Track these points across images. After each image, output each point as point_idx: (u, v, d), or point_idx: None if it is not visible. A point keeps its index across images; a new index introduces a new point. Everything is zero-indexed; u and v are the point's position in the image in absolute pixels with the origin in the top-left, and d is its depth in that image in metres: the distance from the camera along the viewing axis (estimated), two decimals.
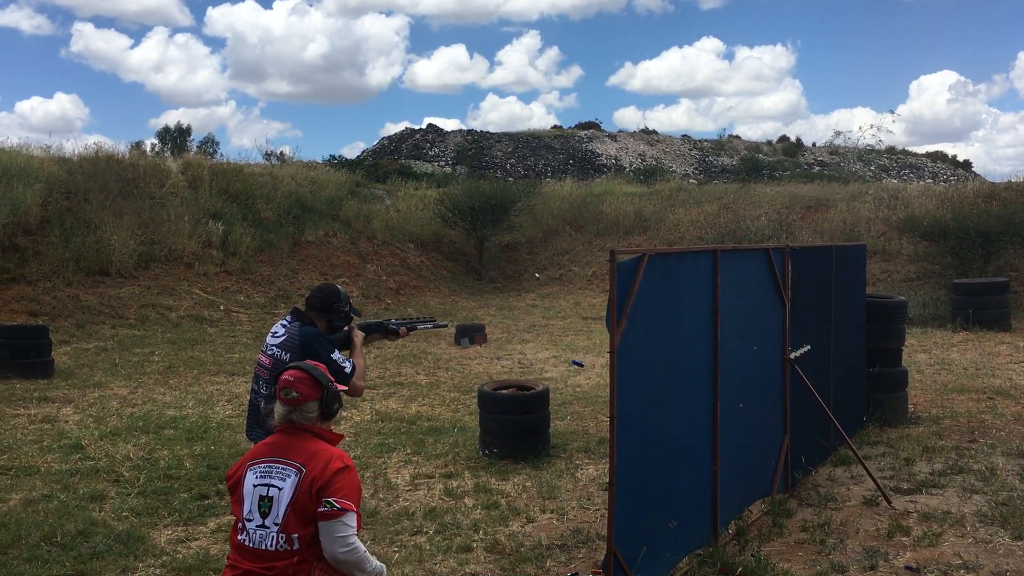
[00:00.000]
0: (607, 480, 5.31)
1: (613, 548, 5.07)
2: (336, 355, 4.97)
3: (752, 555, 6.03)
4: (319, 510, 3.32)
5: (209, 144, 39.48)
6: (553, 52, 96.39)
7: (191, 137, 39.63)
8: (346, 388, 4.45)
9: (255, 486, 3.43)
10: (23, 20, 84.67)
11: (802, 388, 7.58)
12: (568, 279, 26.62)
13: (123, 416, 10.31)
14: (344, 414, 10.61)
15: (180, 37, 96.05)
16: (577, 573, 5.90)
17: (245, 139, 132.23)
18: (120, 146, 34.71)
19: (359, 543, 3.39)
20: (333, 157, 38.57)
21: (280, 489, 3.37)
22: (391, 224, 26.58)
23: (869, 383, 9.85)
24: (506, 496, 7.58)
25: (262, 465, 3.46)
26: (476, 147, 45.32)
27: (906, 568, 5.95)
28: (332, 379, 3.67)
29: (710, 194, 30.16)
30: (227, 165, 25.67)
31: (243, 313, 19.02)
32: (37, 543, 6.31)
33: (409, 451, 9.03)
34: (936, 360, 14.50)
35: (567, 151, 45.99)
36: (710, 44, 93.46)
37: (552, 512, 7.21)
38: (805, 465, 7.90)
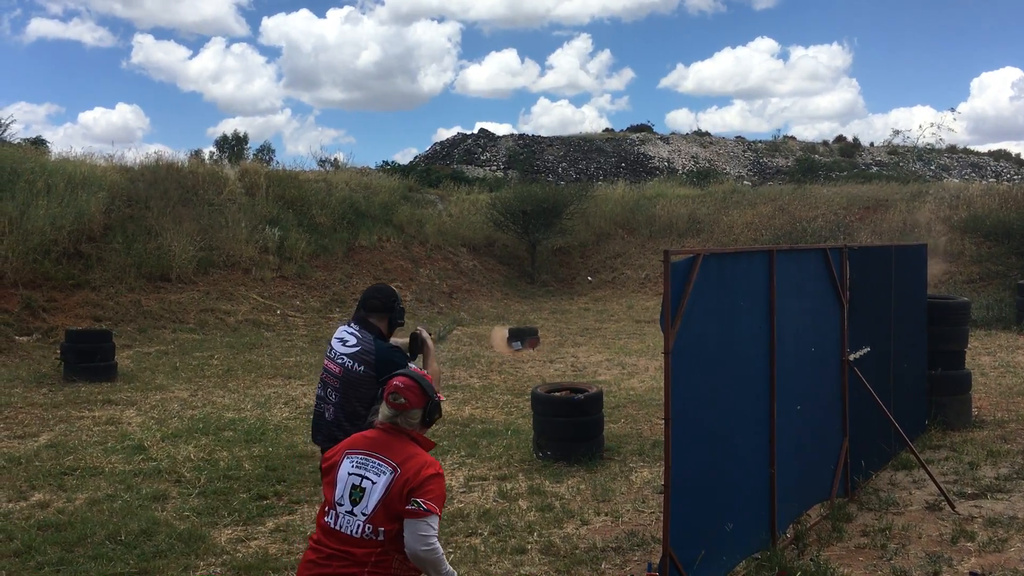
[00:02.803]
0: (662, 483, 5.28)
1: (669, 550, 5.03)
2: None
3: (811, 559, 5.94)
4: (406, 507, 3.50)
5: (265, 152, 40.22)
6: (604, 55, 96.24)
7: (248, 145, 40.39)
8: None
9: (349, 474, 3.62)
10: (86, 33, 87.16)
11: (862, 390, 7.45)
12: (621, 282, 26.50)
13: (184, 418, 10.52)
14: None
15: (237, 47, 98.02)
16: (632, 575, 5.87)
17: (300, 146, 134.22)
18: (180, 154, 35.60)
19: (439, 545, 3.56)
20: (386, 163, 39.02)
21: (374, 483, 3.57)
22: (444, 229, 26.73)
23: (931, 386, 9.64)
24: (560, 498, 7.57)
25: (359, 456, 3.65)
26: (528, 151, 45.41)
27: (971, 574, 5.81)
28: (437, 391, 3.85)
29: (765, 195, 29.80)
30: (283, 172, 26.07)
31: (299, 318, 19.28)
32: (102, 541, 6.46)
33: (463, 453, 9.06)
34: (1001, 363, 14.14)
35: (619, 154, 45.84)
36: (764, 44, 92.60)
37: (607, 514, 7.18)
38: (865, 469, 7.76)
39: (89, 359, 12.76)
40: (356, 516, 3.54)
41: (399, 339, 5.39)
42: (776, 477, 6.18)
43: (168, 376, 13.32)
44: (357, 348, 5.03)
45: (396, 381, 3.75)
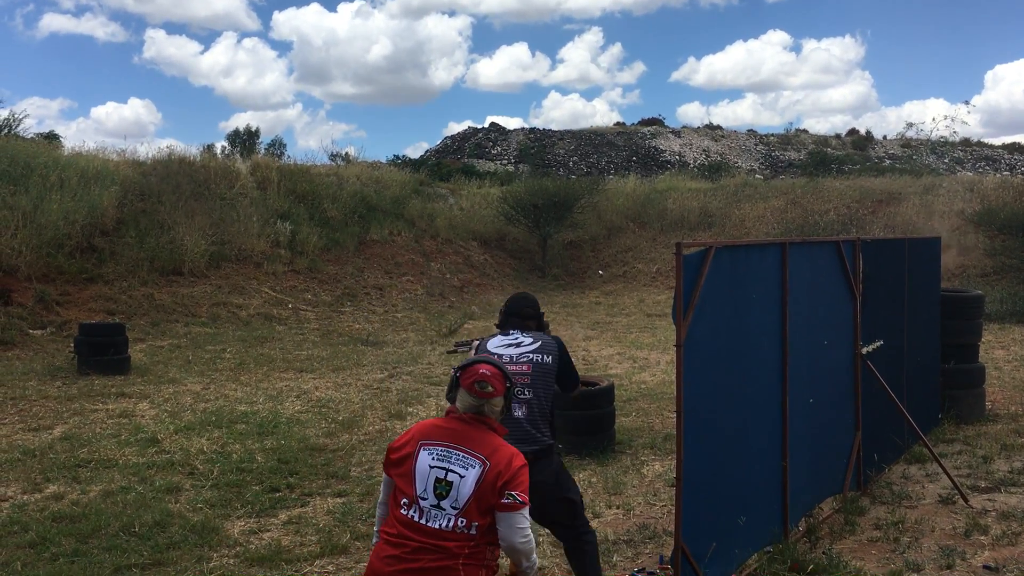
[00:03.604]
0: (673, 476, 5.27)
1: (681, 543, 5.03)
2: None
3: (824, 552, 5.93)
4: (502, 501, 3.47)
5: (277, 146, 40.26)
6: (616, 49, 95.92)
7: (259, 139, 40.45)
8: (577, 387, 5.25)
9: (431, 467, 3.55)
10: (98, 28, 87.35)
11: (874, 384, 7.42)
12: (632, 276, 26.46)
13: (196, 411, 10.56)
14: (409, 410, 10.71)
15: (248, 41, 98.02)
16: (644, 568, 5.87)
17: (311, 140, 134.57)
18: (192, 149, 35.53)
19: (532, 534, 3.55)
20: (397, 157, 39.14)
21: (462, 477, 3.50)
22: (455, 223, 26.75)
23: (944, 379, 9.59)
24: None
25: (439, 448, 3.58)
26: (539, 145, 45.35)
27: (984, 567, 5.78)
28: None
29: (777, 189, 29.69)
30: (294, 166, 26.14)
31: (311, 312, 19.33)
32: (116, 533, 6.51)
33: None
34: (1015, 356, 14.06)
35: (630, 148, 45.73)
36: (776, 37, 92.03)
37: (618, 507, 7.18)
38: (878, 462, 7.73)
39: (102, 352, 12.82)
40: (445, 510, 3.48)
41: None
42: (788, 470, 6.17)
43: (181, 369, 13.37)
44: (539, 343, 5.06)
45: (482, 369, 3.69)
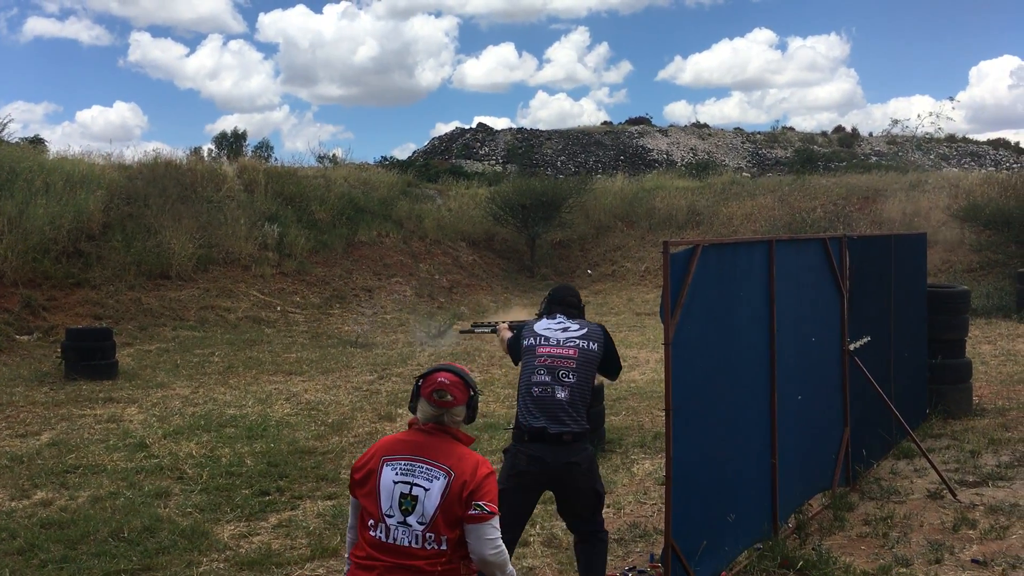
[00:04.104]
0: (663, 474, 5.29)
1: (671, 541, 5.04)
2: None
3: (813, 548, 5.95)
4: (470, 512, 3.34)
5: (264, 148, 40.00)
6: (602, 48, 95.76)
7: (246, 142, 40.15)
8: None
9: (395, 482, 3.40)
10: (82, 31, 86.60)
11: (862, 380, 7.45)
12: (621, 275, 26.49)
13: (185, 415, 10.52)
14: (399, 411, 10.70)
15: (234, 44, 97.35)
16: (635, 567, 5.88)
17: (299, 143, 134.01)
18: (178, 152, 35.30)
19: (503, 545, 3.42)
20: (385, 158, 39.06)
21: (427, 490, 3.36)
22: (443, 223, 26.73)
23: (931, 375, 9.65)
24: None
25: (402, 462, 3.44)
26: (526, 145, 45.35)
27: (973, 561, 5.82)
28: (475, 384, 3.70)
29: (764, 187, 29.78)
30: (281, 168, 26.07)
31: (299, 314, 19.28)
32: (105, 539, 6.47)
33: None
34: (1001, 351, 14.15)
35: (618, 147, 45.78)
36: (762, 35, 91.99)
37: (609, 506, 7.16)
38: (866, 458, 7.77)
39: (90, 357, 12.77)
40: (412, 526, 3.34)
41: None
42: (777, 467, 6.19)
43: (169, 373, 13.32)
44: (585, 329, 5.16)
45: (441, 377, 3.52)
